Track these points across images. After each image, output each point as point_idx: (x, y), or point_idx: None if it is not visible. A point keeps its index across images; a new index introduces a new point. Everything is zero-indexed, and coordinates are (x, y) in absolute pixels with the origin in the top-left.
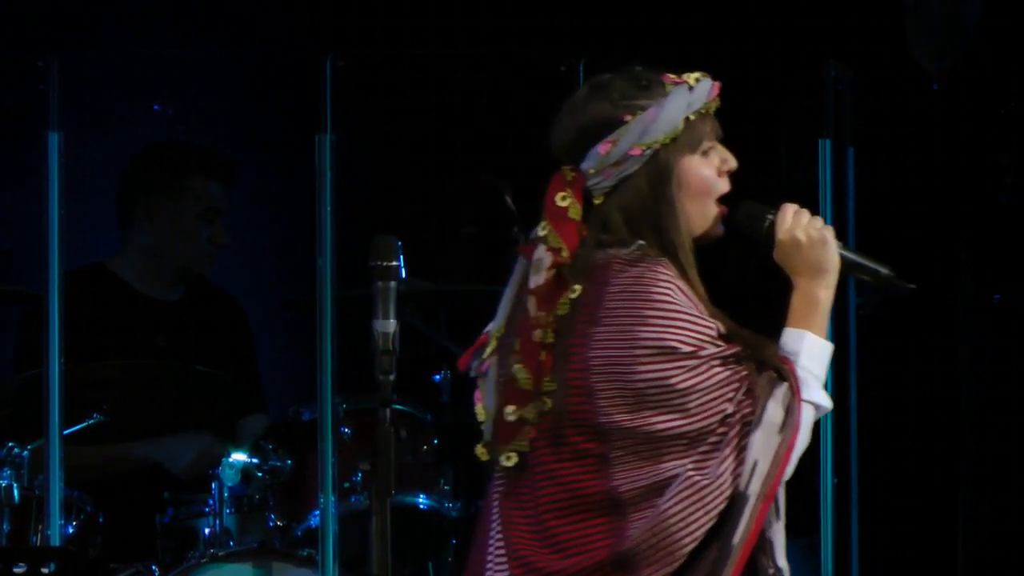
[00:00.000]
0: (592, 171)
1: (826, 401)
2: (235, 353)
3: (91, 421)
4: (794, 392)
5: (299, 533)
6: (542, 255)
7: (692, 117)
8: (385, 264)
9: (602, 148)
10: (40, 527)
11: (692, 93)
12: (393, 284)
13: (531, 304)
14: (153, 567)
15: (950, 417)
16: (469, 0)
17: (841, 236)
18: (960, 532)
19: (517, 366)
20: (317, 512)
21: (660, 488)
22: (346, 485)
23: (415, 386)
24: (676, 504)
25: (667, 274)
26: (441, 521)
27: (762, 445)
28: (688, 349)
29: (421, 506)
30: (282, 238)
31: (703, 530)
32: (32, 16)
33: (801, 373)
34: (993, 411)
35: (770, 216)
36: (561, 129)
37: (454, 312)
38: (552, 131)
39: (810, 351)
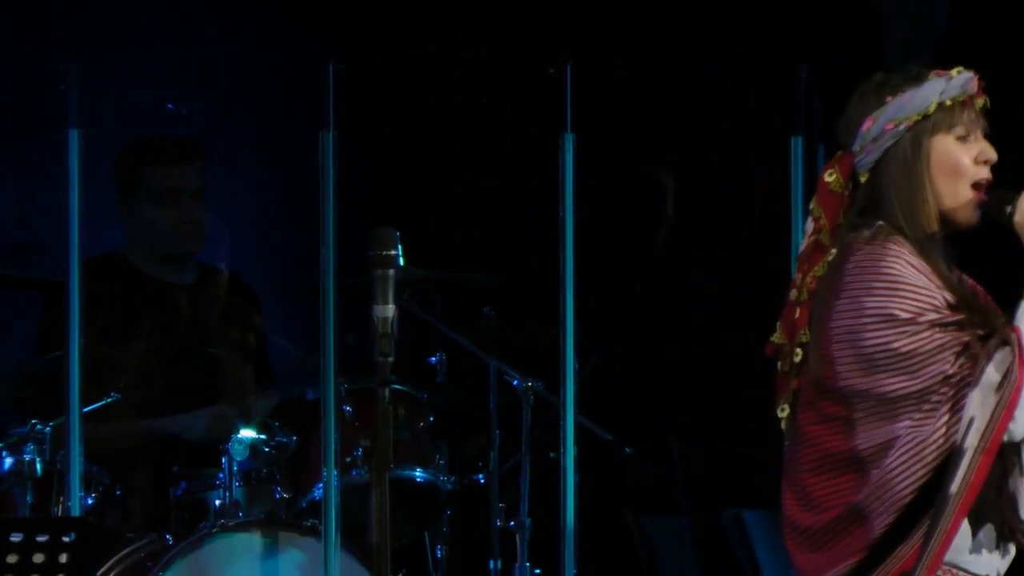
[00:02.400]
0: (857, 149)
1: None
2: (246, 335)
3: (109, 400)
4: (1017, 356)
5: (304, 504)
6: (808, 224)
7: (948, 103)
8: (383, 253)
9: (864, 125)
10: (61, 499)
11: (949, 82)
12: (391, 272)
13: (795, 268)
14: (167, 536)
15: None
16: (462, 3)
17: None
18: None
19: (778, 324)
20: (320, 485)
21: (891, 445)
22: (347, 460)
23: (412, 367)
24: (897, 459)
25: (896, 249)
26: (436, 493)
27: (979, 403)
28: (907, 316)
29: (418, 479)
30: (288, 229)
31: (921, 482)
32: (53, 22)
33: None
34: None
35: (1011, 204)
36: (844, 118)
37: (449, 298)
38: (838, 125)
39: None
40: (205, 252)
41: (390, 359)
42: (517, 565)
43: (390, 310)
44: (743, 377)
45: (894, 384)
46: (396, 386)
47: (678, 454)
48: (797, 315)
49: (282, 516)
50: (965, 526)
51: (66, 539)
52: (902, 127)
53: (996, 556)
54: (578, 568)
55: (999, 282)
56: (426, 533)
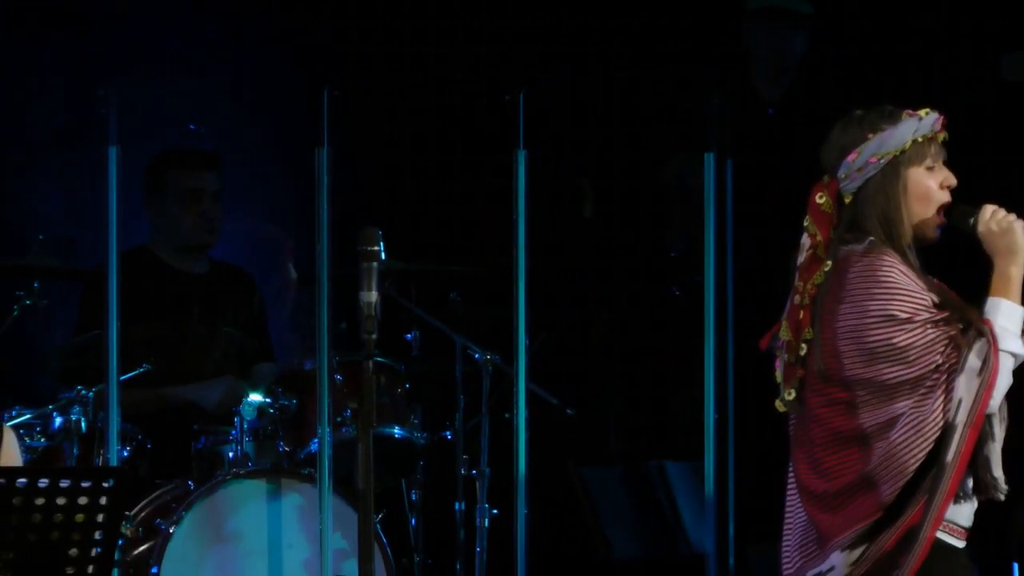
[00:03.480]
0: (843, 176)
1: (1019, 348)
2: (250, 316)
3: (140, 370)
4: (991, 344)
5: (302, 456)
6: (804, 240)
7: (919, 139)
8: (368, 248)
9: (850, 157)
10: (101, 451)
11: (920, 122)
12: (375, 264)
13: (796, 277)
14: (189, 482)
15: None
16: (436, 33)
17: (720, 238)
18: None
19: (784, 323)
20: (316, 440)
21: (892, 423)
22: (338, 420)
23: (392, 343)
24: (902, 435)
25: (890, 260)
26: (412, 448)
27: (965, 386)
28: (905, 316)
29: (396, 436)
30: (292, 229)
31: (924, 453)
32: (93, 52)
33: (998, 330)
34: None
35: (973, 216)
36: (827, 147)
37: (423, 285)
38: (821, 150)
39: (1006, 313)
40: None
41: (374, 336)
42: (478, 507)
43: (374, 296)
44: (663, 350)
45: (893, 373)
46: (378, 359)
47: (613, 415)
48: (801, 316)
49: (284, 466)
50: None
51: (106, 484)
52: (883, 160)
53: (970, 508)
54: (528, 510)
55: (961, 283)
56: (403, 480)
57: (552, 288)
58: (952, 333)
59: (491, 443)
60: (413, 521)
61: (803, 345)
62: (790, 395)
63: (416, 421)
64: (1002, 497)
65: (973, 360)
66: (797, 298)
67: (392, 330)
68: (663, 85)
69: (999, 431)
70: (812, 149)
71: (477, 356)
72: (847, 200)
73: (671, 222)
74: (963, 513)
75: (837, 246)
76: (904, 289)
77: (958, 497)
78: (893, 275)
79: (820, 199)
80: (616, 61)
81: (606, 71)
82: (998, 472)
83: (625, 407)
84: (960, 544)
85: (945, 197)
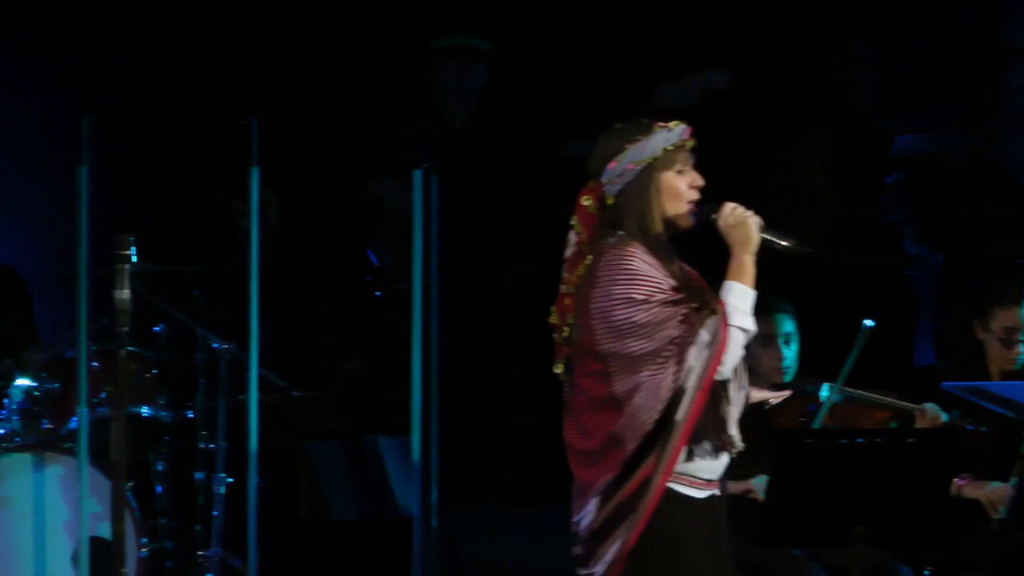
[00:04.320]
0: (606, 181)
1: (750, 325)
2: (16, 307)
3: None
4: (722, 321)
5: (63, 432)
6: (571, 237)
7: (670, 148)
8: (121, 252)
9: (611, 165)
10: None
11: (670, 133)
12: (127, 266)
13: (564, 269)
14: None
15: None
16: (183, 61)
17: (427, 248)
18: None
19: (553, 308)
20: (76, 419)
21: (637, 389)
22: (95, 401)
23: (142, 334)
24: (642, 398)
25: (633, 251)
26: (159, 424)
27: (696, 356)
28: (642, 297)
29: (145, 414)
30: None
31: (658, 414)
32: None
33: (729, 308)
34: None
35: (715, 212)
36: (593, 157)
37: (169, 284)
38: (588, 159)
39: (737, 294)
40: None
41: (126, 328)
42: (215, 476)
43: (127, 293)
44: (375, 342)
45: (637, 346)
46: (130, 348)
47: (333, 395)
48: (567, 303)
49: (48, 441)
50: (693, 443)
51: None
52: (639, 167)
53: (714, 463)
54: (259, 478)
55: (714, 269)
56: (151, 453)
57: (280, 287)
58: (686, 311)
59: (227, 421)
60: (159, 488)
61: (567, 328)
62: (559, 368)
63: (162, 402)
64: (734, 454)
65: (704, 335)
66: (563, 287)
67: (142, 323)
68: (376, 111)
69: (735, 396)
70: (496, 167)
71: (215, 345)
72: (609, 202)
73: (381, 234)
74: (704, 468)
75: (597, 241)
76: (643, 275)
77: (696, 454)
78: (634, 263)
79: (586, 201)
80: (334, 90)
81: (327, 99)
82: (733, 431)
83: (344, 389)
84: (701, 494)
85: (694, 196)
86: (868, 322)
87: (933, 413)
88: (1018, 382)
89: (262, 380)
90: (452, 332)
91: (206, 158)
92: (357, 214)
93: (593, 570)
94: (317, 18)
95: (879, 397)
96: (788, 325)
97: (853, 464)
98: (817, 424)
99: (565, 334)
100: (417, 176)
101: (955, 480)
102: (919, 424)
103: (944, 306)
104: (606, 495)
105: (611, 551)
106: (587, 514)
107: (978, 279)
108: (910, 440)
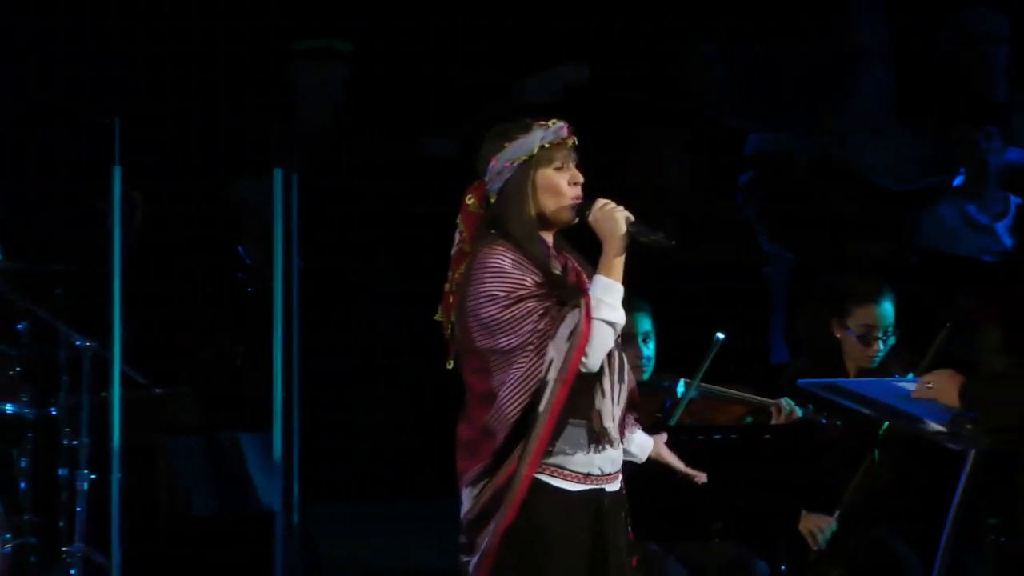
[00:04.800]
0: (488, 180)
1: (615, 317)
2: None
3: None
4: (584, 315)
5: None
6: (456, 235)
7: (547, 145)
8: None
9: (492, 163)
10: None
11: (547, 131)
12: None
13: (449, 267)
14: None
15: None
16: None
17: (288, 247)
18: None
19: (440, 306)
20: None
21: (506, 382)
22: None
23: (5, 331)
24: (507, 392)
25: (499, 249)
26: (22, 421)
27: (557, 349)
28: (503, 294)
29: (8, 411)
30: None
31: (523, 406)
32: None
33: (593, 302)
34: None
35: (588, 208)
36: (479, 157)
37: (32, 283)
38: (476, 159)
39: (602, 287)
40: None
41: None
42: (79, 472)
43: None
44: (239, 339)
45: (505, 341)
46: None
47: (194, 392)
48: (451, 301)
49: None
50: (566, 437)
51: None
52: (517, 164)
53: (594, 456)
54: (122, 474)
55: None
56: (14, 450)
57: (143, 285)
58: (547, 305)
59: (90, 417)
60: (23, 485)
61: (450, 325)
62: (451, 364)
63: (25, 398)
64: (613, 447)
65: (565, 328)
66: (447, 286)
67: (5, 320)
68: (236, 112)
69: (611, 389)
70: (358, 165)
71: (78, 343)
72: (493, 200)
73: (246, 233)
74: (579, 461)
75: (477, 240)
76: (506, 273)
77: (568, 446)
78: (499, 261)
79: (469, 200)
80: (198, 90)
81: (188, 100)
82: (608, 424)
83: (205, 386)
84: (575, 487)
85: (575, 191)
86: (720, 335)
87: (789, 408)
88: (872, 379)
89: (125, 377)
90: (314, 329)
91: (69, 157)
92: (225, 214)
93: (472, 558)
94: (180, 18)
95: (735, 392)
96: (646, 324)
97: (709, 460)
98: (674, 420)
99: (450, 330)
100: (277, 176)
101: None
102: (775, 419)
103: (796, 304)
104: (481, 485)
105: (485, 540)
106: (465, 504)
107: (836, 277)
108: (766, 436)
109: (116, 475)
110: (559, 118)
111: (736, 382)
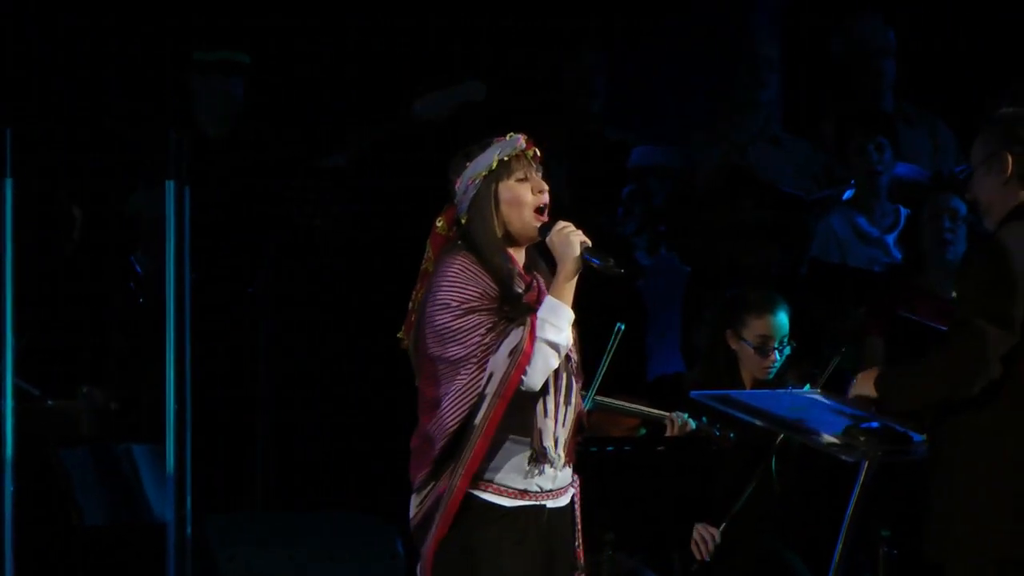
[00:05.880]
0: (457, 201)
1: (558, 338)
2: None
3: None
4: (528, 333)
5: None
6: (425, 257)
7: (506, 158)
8: None
9: (457, 185)
10: None
11: (505, 143)
12: None
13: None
14: None
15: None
16: None
17: (180, 258)
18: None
19: (404, 324)
20: None
21: (449, 392)
22: None
23: None
24: (448, 402)
25: (459, 261)
26: None
27: (498, 365)
28: (455, 304)
29: None
30: None
31: (461, 416)
32: None
33: (538, 322)
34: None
35: (549, 229)
36: (447, 180)
37: None
38: (447, 183)
39: (549, 308)
40: None
41: None
42: None
43: None
44: (132, 349)
45: (453, 350)
46: None
47: (86, 403)
48: (413, 318)
49: None
50: (505, 453)
51: None
52: (478, 180)
53: (533, 473)
54: (14, 485)
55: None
56: None
57: (36, 294)
58: (495, 319)
59: None
60: None
61: (406, 339)
62: (417, 379)
63: None
64: (552, 467)
65: (507, 344)
66: (411, 304)
67: None
68: (128, 121)
69: (555, 410)
70: (254, 178)
71: None
72: (464, 220)
73: (144, 244)
74: (515, 478)
75: (442, 256)
76: (461, 283)
77: (505, 462)
78: (455, 271)
79: (439, 223)
80: (90, 99)
81: (82, 110)
82: (548, 443)
83: (99, 396)
84: (509, 503)
85: (540, 200)
86: (620, 325)
87: (682, 420)
88: (763, 391)
89: (17, 389)
90: (206, 339)
91: None
92: (116, 224)
93: (419, 564)
94: (75, 27)
95: (629, 405)
96: None
97: (603, 471)
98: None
99: (405, 345)
100: (169, 187)
101: None
102: (669, 431)
103: (690, 315)
104: (424, 492)
105: (423, 547)
106: (411, 509)
107: (730, 288)
108: (659, 448)
109: (9, 487)
110: (456, 134)
111: (629, 394)
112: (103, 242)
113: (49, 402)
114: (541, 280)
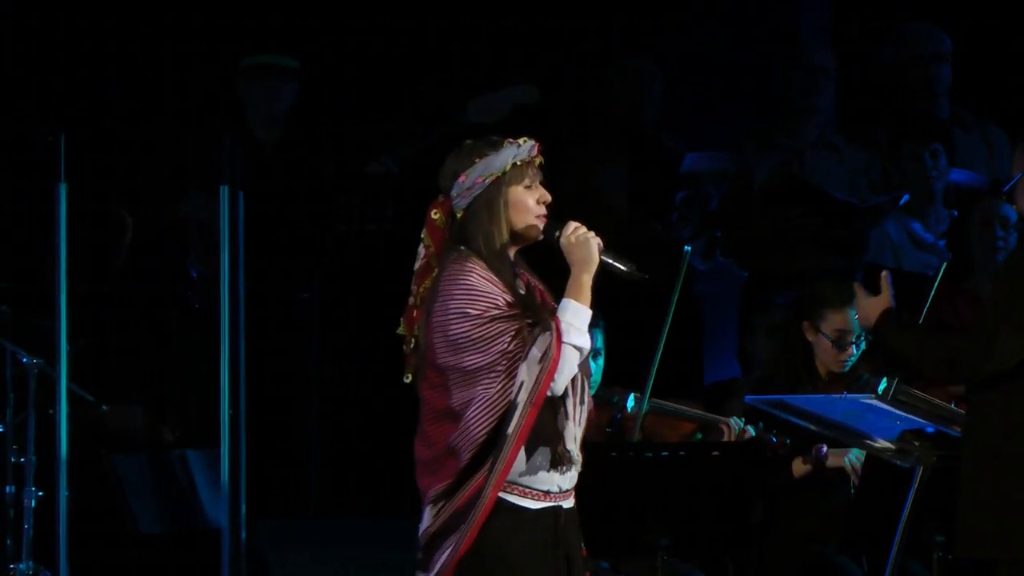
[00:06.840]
0: (455, 195)
1: (583, 342)
2: None
3: None
4: (555, 338)
5: None
6: (420, 250)
7: (518, 163)
8: None
9: (460, 179)
10: None
11: (519, 149)
12: None
13: (413, 281)
14: None
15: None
16: None
17: (234, 264)
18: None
19: (402, 320)
20: None
21: (472, 401)
22: None
23: None
24: (474, 412)
25: (470, 266)
26: None
27: (527, 372)
28: (476, 312)
29: None
30: None
31: (490, 426)
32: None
33: (563, 326)
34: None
35: (559, 230)
36: (443, 173)
37: None
38: (439, 175)
39: (573, 312)
40: None
41: None
42: (25, 489)
43: None
44: (186, 354)
45: (471, 360)
46: None
47: (142, 409)
48: (414, 315)
49: None
50: (531, 456)
51: None
52: (488, 180)
53: (555, 475)
54: (69, 491)
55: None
56: None
57: (90, 301)
58: (519, 326)
59: (37, 434)
60: None
61: (413, 339)
62: (408, 379)
63: None
64: (574, 468)
65: (535, 350)
66: (411, 299)
67: None
68: (181, 126)
69: (573, 411)
70: (307, 183)
71: (24, 360)
72: (459, 215)
73: (197, 249)
74: (541, 480)
75: (444, 256)
76: (479, 290)
77: (533, 465)
78: (471, 279)
79: (435, 215)
80: (145, 106)
81: (136, 118)
82: (571, 446)
83: (154, 402)
84: (535, 505)
85: (541, 210)
86: (687, 248)
87: (739, 427)
88: (819, 395)
89: (71, 394)
90: (261, 346)
91: (14, 172)
92: (172, 230)
93: (428, 575)
94: (127, 33)
95: (685, 408)
96: (598, 340)
97: (658, 476)
98: (635, 438)
99: (412, 345)
100: (223, 192)
101: (817, 449)
102: (725, 436)
103: (746, 320)
104: (442, 503)
105: (442, 558)
106: (424, 521)
107: (784, 294)
108: (714, 453)
109: (63, 492)
110: (509, 137)
111: (685, 397)
112: (155, 247)
113: (103, 407)
114: (533, 279)
